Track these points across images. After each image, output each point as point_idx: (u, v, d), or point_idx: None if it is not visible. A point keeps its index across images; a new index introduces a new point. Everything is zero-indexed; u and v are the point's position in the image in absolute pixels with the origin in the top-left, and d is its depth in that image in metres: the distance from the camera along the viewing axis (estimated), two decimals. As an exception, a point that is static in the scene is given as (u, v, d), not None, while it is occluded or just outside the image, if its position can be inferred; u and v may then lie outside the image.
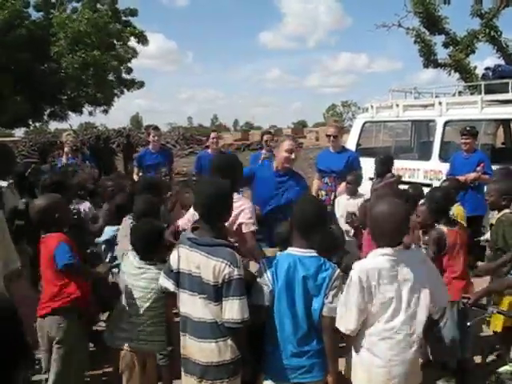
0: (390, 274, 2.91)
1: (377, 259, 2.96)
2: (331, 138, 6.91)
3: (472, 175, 7.00)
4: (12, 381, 1.50)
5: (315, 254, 3.15)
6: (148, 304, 3.76)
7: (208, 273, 3.01)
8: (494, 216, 5.12)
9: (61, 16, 18.31)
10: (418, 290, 2.96)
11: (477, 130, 7.54)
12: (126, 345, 3.75)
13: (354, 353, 3.10)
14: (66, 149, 8.65)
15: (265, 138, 7.92)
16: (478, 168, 7.05)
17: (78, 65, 17.56)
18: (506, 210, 4.53)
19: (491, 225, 4.71)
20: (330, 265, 3.14)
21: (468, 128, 7.40)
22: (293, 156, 4.87)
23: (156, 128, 8.56)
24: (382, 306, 2.92)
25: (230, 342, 3.05)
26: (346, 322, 2.96)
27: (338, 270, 3.14)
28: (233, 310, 2.94)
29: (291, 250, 3.19)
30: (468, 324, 3.89)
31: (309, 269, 3.07)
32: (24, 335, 1.64)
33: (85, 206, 6.03)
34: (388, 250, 2.94)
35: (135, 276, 3.83)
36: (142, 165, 8.13)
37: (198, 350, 3.10)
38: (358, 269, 2.95)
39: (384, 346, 2.94)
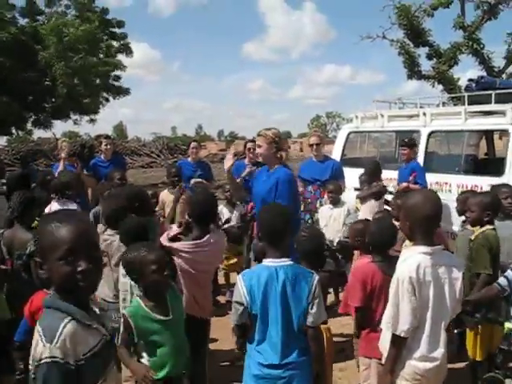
0: (430, 272, 2.93)
1: (417, 257, 2.96)
2: (314, 146, 7.10)
3: (402, 185, 7.16)
4: None
5: (291, 262, 3.11)
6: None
7: None
8: (464, 231, 5.03)
9: (55, 21, 18.25)
10: (452, 290, 3.01)
11: (415, 141, 7.84)
12: None
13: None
14: (62, 155, 8.53)
15: (248, 145, 7.87)
16: (410, 178, 7.21)
17: (71, 70, 17.48)
18: (488, 227, 4.37)
19: (470, 240, 4.51)
20: (308, 272, 3.11)
21: (406, 139, 7.79)
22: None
23: (108, 137, 8.81)
24: (425, 303, 2.96)
25: None
26: (400, 324, 2.94)
27: (317, 277, 3.10)
28: None
29: (266, 262, 3.13)
30: (455, 331, 3.87)
31: (286, 278, 3.02)
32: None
33: (71, 207, 6.11)
34: (427, 248, 2.95)
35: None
36: (96, 175, 8.04)
37: None
38: (407, 269, 2.94)
39: (416, 344, 2.98)
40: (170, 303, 3.31)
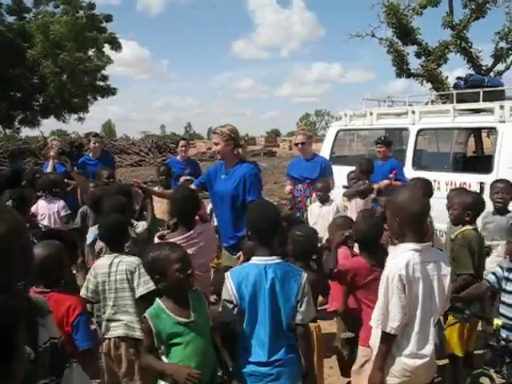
0: (419, 269, 2.93)
1: (407, 254, 2.95)
2: (299, 145, 7.10)
3: (384, 182, 7.16)
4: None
5: (279, 261, 3.10)
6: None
7: None
8: (451, 229, 5.00)
9: (42, 19, 18.17)
10: (441, 287, 3.01)
11: (390, 139, 7.99)
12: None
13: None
14: (51, 153, 8.48)
15: None
16: (391, 175, 7.25)
17: (58, 68, 17.40)
18: (468, 227, 4.38)
19: (450, 239, 4.55)
20: (297, 270, 3.11)
21: (382, 137, 7.91)
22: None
23: (96, 135, 8.83)
24: (414, 300, 2.95)
25: None
26: (390, 321, 2.93)
27: (306, 275, 3.10)
28: None
29: (255, 260, 3.13)
30: (444, 327, 3.89)
31: (275, 277, 3.01)
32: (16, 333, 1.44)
33: (59, 204, 6.26)
34: (416, 245, 2.95)
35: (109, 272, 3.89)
36: (84, 172, 8.01)
37: None
38: (396, 266, 2.93)
39: (406, 341, 2.98)
40: (192, 304, 3.10)
